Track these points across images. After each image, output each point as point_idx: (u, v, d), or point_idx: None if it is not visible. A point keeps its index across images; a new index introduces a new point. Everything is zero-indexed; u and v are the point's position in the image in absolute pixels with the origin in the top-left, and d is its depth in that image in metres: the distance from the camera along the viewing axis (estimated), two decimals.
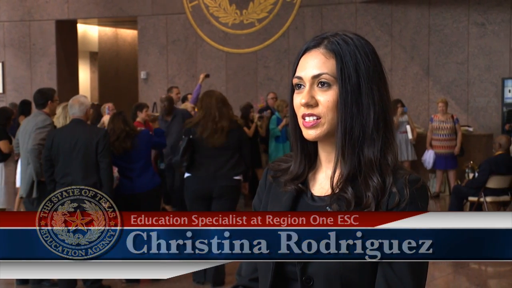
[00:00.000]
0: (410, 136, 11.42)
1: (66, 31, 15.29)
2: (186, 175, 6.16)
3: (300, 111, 1.59)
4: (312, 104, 1.57)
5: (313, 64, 1.58)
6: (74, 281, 6.12)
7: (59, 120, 6.47)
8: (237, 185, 6.15)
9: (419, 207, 1.53)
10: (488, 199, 8.74)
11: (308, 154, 1.66)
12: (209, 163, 6.01)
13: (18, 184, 7.66)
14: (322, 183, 1.64)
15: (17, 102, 11.82)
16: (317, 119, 1.57)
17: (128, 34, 18.72)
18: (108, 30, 18.46)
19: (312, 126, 1.57)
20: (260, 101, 12.64)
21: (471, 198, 8.86)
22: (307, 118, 1.58)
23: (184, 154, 6.01)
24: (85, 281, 6.11)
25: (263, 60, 13.87)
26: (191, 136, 6.04)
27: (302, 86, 1.60)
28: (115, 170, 6.31)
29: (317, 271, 1.53)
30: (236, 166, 6.08)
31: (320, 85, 1.57)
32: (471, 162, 10.11)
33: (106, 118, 7.86)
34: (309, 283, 1.54)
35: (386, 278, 1.52)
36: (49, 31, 15.03)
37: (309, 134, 1.59)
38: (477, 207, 8.89)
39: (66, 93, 12.98)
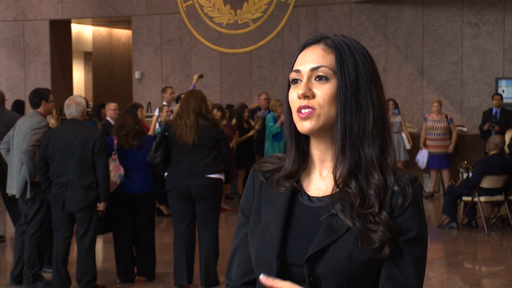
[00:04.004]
0: (408, 146, 11.49)
1: (60, 31, 15.26)
2: (166, 174, 6.19)
3: (295, 104, 1.58)
4: (309, 95, 1.56)
5: (312, 58, 1.59)
6: (68, 281, 6.12)
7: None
8: (215, 184, 6.06)
9: (420, 205, 1.56)
10: (482, 199, 8.76)
11: (302, 152, 1.65)
12: (183, 161, 6.01)
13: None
14: (317, 184, 1.63)
15: (11, 102, 11.78)
16: (312, 110, 1.56)
17: (122, 34, 18.70)
18: (102, 30, 18.43)
19: (307, 117, 1.56)
20: (255, 101, 12.64)
21: (465, 198, 8.88)
22: (302, 110, 1.57)
23: (157, 149, 6.04)
24: (79, 281, 6.11)
25: (257, 60, 13.87)
26: (166, 133, 6.07)
27: (299, 81, 1.59)
28: (121, 169, 6.30)
29: (325, 271, 1.53)
30: (212, 165, 6.02)
31: (318, 79, 1.57)
32: (465, 162, 10.14)
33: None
34: (316, 283, 1.54)
35: (391, 274, 1.53)
36: (43, 31, 15.00)
37: (304, 126, 1.57)
38: (471, 207, 8.92)
39: (60, 93, 12.96)
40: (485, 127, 11.25)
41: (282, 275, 1.58)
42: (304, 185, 1.64)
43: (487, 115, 11.41)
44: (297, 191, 1.63)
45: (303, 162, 1.65)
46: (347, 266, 1.52)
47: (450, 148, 11.28)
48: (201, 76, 10.99)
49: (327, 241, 1.53)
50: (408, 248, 1.53)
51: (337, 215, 1.54)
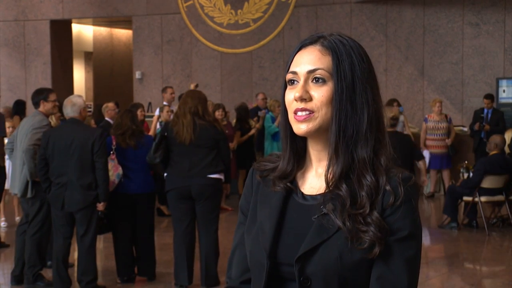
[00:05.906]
0: None
1: (60, 31, 15.26)
2: (165, 174, 6.20)
3: (292, 106, 1.58)
4: (306, 98, 1.56)
5: (309, 60, 1.58)
6: (69, 281, 6.12)
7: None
8: (214, 184, 6.07)
9: (413, 204, 1.55)
10: (483, 199, 8.76)
11: (297, 152, 1.65)
12: (183, 161, 6.01)
13: (7, 184, 7.66)
14: (312, 182, 1.63)
15: (12, 102, 11.80)
16: (309, 113, 1.56)
17: (123, 34, 18.70)
18: (103, 30, 18.43)
19: (304, 120, 1.56)
20: (255, 101, 12.64)
21: (465, 198, 8.88)
22: (299, 113, 1.57)
23: (157, 149, 6.04)
24: (80, 281, 6.11)
25: (258, 60, 13.87)
26: (166, 133, 6.08)
27: (296, 82, 1.59)
28: (119, 169, 6.31)
29: (315, 270, 1.53)
30: (212, 165, 6.02)
31: (314, 81, 1.57)
32: (466, 162, 10.13)
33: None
34: (307, 283, 1.54)
35: (382, 275, 1.52)
36: (43, 31, 15.00)
37: (300, 128, 1.57)
38: (472, 207, 8.91)
39: (60, 93, 12.94)
40: (476, 127, 11.30)
41: (273, 274, 1.59)
42: (299, 183, 1.65)
43: (478, 114, 11.45)
44: (292, 190, 1.64)
45: (299, 161, 1.66)
46: (337, 266, 1.51)
47: (449, 141, 11.30)
48: (196, 86, 11.16)
49: (317, 240, 1.53)
50: (399, 248, 1.52)
51: (329, 214, 1.54)
